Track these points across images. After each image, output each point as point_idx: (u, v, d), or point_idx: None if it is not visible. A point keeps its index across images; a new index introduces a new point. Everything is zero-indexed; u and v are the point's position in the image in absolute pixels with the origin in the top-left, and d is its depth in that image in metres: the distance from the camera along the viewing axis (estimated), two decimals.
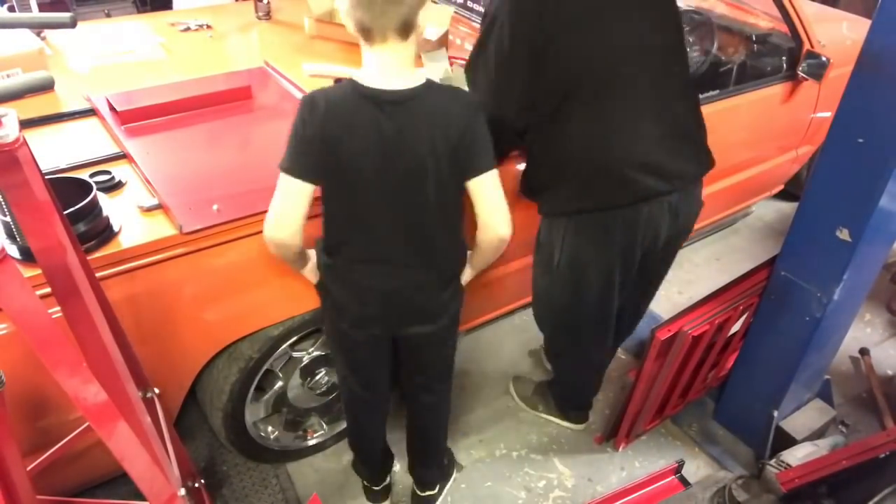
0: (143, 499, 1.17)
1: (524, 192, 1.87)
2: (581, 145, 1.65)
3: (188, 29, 2.68)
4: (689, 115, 1.76)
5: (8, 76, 1.99)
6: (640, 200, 1.68)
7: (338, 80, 1.91)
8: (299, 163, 1.36)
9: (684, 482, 2.14)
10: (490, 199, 1.46)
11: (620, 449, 2.28)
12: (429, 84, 1.38)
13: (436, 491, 2.04)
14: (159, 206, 1.58)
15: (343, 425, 2.19)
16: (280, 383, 1.94)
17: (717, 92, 2.49)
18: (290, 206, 1.39)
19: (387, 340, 1.66)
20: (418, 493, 2.02)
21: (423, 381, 1.80)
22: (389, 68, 1.34)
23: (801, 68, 2.66)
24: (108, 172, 1.66)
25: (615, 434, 2.26)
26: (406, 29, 1.31)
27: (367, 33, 1.31)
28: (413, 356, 1.73)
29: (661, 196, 1.69)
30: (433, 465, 2.02)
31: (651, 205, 1.69)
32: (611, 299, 1.89)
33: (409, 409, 1.92)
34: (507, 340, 2.70)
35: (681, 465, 2.15)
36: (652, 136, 1.65)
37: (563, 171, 1.71)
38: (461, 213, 1.52)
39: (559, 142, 1.67)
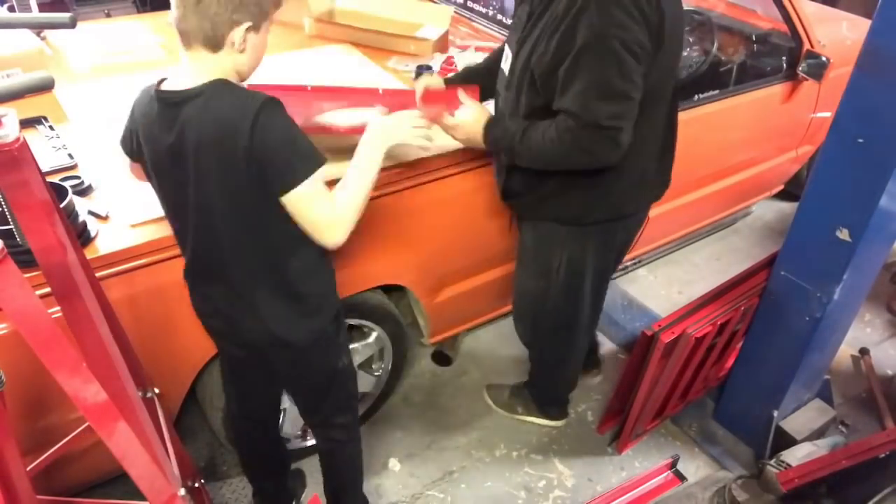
0: (143, 499, 1.17)
1: (510, 196, 1.83)
2: (632, 159, 1.58)
3: None
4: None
5: (8, 76, 1.99)
6: (640, 212, 1.82)
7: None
8: None
9: (680, 476, 2.14)
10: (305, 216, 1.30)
11: (623, 453, 2.28)
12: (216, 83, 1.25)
13: None
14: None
15: None
16: None
17: (717, 92, 2.49)
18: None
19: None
20: None
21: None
22: (189, 74, 1.26)
23: (801, 68, 2.66)
24: (77, 177, 1.65)
25: (618, 437, 2.26)
26: (213, 42, 1.22)
27: (180, 35, 1.25)
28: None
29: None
30: None
31: (644, 211, 1.84)
32: (603, 296, 2.01)
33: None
34: (508, 340, 2.70)
35: (675, 459, 2.15)
36: (672, 148, 1.77)
37: (594, 180, 1.64)
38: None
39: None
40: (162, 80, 1.30)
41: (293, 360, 1.54)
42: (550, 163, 1.60)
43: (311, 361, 1.55)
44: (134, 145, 1.38)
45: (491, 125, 1.65)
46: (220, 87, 1.24)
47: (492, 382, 2.46)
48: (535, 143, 1.55)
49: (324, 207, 1.30)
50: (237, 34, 1.22)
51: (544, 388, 2.31)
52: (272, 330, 1.43)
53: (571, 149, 1.50)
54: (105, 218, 1.55)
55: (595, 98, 1.43)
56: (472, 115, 1.67)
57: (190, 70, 1.26)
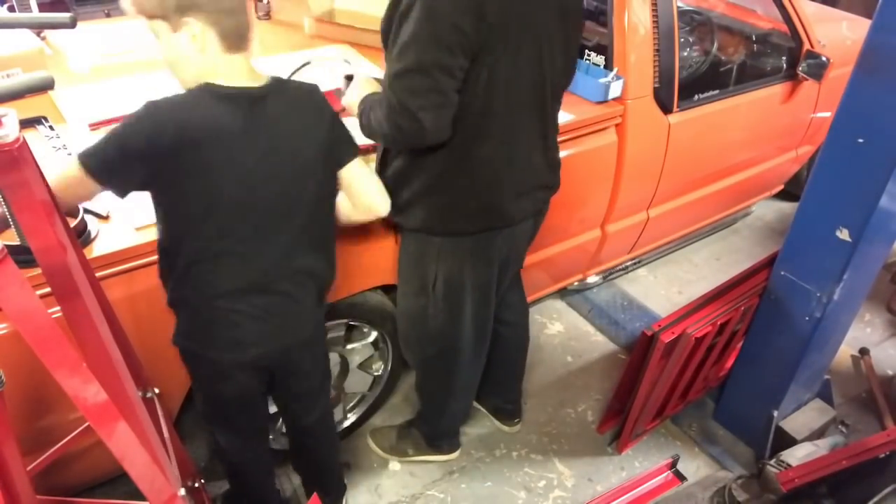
0: (143, 499, 1.17)
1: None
2: (482, 168, 1.56)
3: None
4: (556, 141, 1.76)
5: (8, 76, 1.98)
6: (522, 221, 1.72)
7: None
8: None
9: (680, 476, 2.14)
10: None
11: (623, 453, 2.28)
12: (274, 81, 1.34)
13: None
14: None
15: (339, 427, 2.20)
16: None
17: (717, 92, 2.49)
18: None
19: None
20: None
21: None
22: (245, 73, 1.30)
23: (801, 68, 2.66)
24: None
25: (618, 437, 2.26)
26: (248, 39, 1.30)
27: (237, 40, 1.26)
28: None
29: (539, 213, 1.80)
30: None
31: (528, 220, 1.76)
32: (489, 315, 1.88)
33: None
34: None
35: (675, 459, 2.15)
36: (540, 163, 1.69)
37: (452, 189, 1.59)
38: None
39: (454, 158, 1.55)
40: (210, 85, 1.26)
41: (313, 355, 1.60)
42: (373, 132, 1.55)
43: (322, 352, 1.65)
44: (143, 172, 1.25)
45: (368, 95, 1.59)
46: (283, 82, 1.35)
47: (375, 426, 2.28)
48: (370, 111, 1.51)
49: (373, 177, 1.51)
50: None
51: (433, 421, 2.14)
52: (315, 322, 1.54)
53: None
54: (105, 218, 1.55)
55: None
56: (359, 85, 1.65)
57: (245, 70, 1.29)
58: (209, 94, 1.25)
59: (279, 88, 1.33)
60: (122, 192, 1.26)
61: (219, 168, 1.25)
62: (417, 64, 1.37)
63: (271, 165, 1.30)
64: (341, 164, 1.44)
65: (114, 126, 1.23)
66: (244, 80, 1.28)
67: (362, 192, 1.50)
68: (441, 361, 1.93)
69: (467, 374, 2.00)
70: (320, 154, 1.38)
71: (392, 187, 1.59)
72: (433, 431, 2.16)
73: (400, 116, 1.40)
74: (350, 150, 1.45)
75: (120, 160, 1.22)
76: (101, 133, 1.50)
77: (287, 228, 1.37)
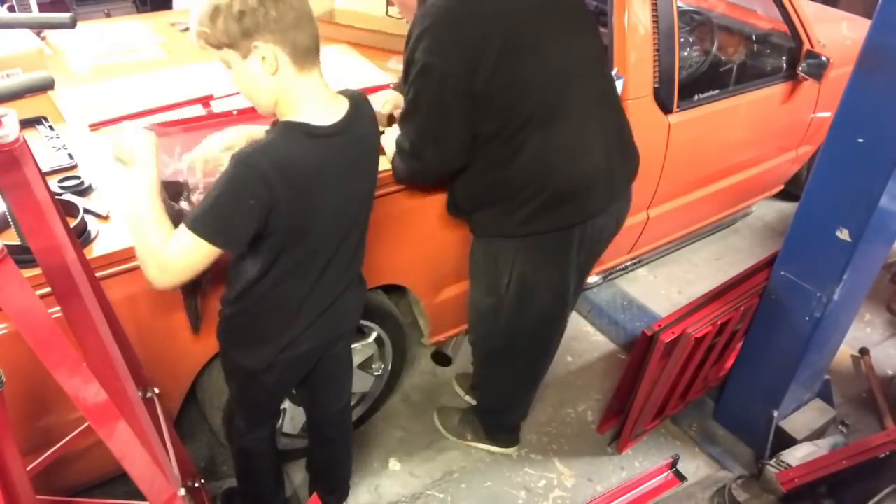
0: (143, 499, 1.17)
1: (453, 210, 1.82)
2: (536, 169, 1.60)
3: (188, 29, 2.67)
4: (624, 121, 1.78)
5: (8, 76, 1.99)
6: (594, 216, 1.70)
7: None
8: None
9: (680, 476, 2.14)
10: None
11: (623, 453, 2.28)
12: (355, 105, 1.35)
13: None
14: None
15: None
16: None
17: (717, 92, 2.49)
18: None
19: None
20: None
21: None
22: (327, 97, 1.30)
23: (801, 68, 2.66)
24: (77, 177, 1.64)
25: (618, 437, 2.26)
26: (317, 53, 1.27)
27: (305, 57, 1.22)
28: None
29: (611, 207, 1.75)
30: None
31: (602, 217, 1.73)
32: (565, 315, 1.90)
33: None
34: None
35: (675, 459, 2.15)
36: (602, 152, 1.67)
37: (515, 193, 1.64)
38: None
39: (510, 166, 1.61)
40: (302, 125, 1.24)
41: (347, 344, 1.69)
42: None
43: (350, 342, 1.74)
44: (268, 217, 1.22)
45: None
46: (356, 101, 1.34)
47: (443, 405, 2.38)
48: None
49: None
50: None
51: (493, 413, 2.19)
52: (361, 301, 1.60)
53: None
54: (105, 218, 1.55)
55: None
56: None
57: (326, 96, 1.29)
58: (302, 133, 1.24)
59: (356, 113, 1.32)
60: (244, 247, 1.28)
61: (319, 206, 1.28)
62: (418, 137, 1.57)
63: (354, 190, 1.37)
64: None
65: (212, 194, 1.19)
66: (328, 110, 1.27)
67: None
68: (508, 356, 1.97)
69: (534, 370, 2.05)
70: (376, 161, 1.45)
71: (461, 195, 1.74)
72: (494, 423, 2.20)
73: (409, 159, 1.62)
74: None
75: (239, 223, 1.20)
76: (102, 133, 1.50)
77: (350, 243, 1.43)
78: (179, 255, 1.18)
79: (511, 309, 1.80)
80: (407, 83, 1.53)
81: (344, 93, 1.34)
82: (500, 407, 2.17)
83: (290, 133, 1.23)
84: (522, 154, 1.59)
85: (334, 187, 1.29)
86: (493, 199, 1.69)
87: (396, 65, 2.36)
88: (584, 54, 1.66)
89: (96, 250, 1.45)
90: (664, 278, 3.12)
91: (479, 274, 1.85)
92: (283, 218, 1.23)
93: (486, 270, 1.80)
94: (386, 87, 2.01)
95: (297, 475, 2.11)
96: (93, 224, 1.50)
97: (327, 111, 1.27)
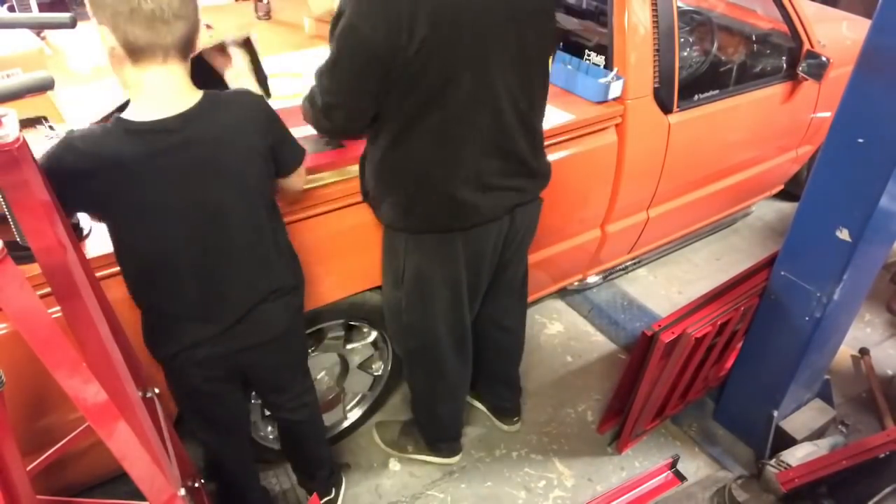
0: (143, 499, 1.17)
1: (362, 195, 1.74)
2: (425, 168, 1.57)
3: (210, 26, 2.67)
4: (530, 148, 1.67)
5: (8, 76, 1.98)
6: (475, 226, 1.66)
7: None
8: None
9: (680, 476, 2.14)
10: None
11: (623, 453, 2.28)
12: (209, 97, 1.27)
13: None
14: None
15: (339, 427, 2.19)
16: None
17: (717, 92, 2.49)
18: None
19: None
20: None
21: None
22: (168, 93, 1.23)
23: (801, 68, 2.66)
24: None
25: (618, 437, 2.26)
26: (187, 47, 1.22)
27: (141, 52, 1.17)
28: None
29: (495, 221, 1.69)
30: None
31: (487, 227, 1.68)
32: (462, 315, 1.84)
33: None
34: None
35: (675, 459, 2.15)
36: (492, 168, 1.61)
37: (401, 187, 1.61)
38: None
39: (403, 156, 1.56)
40: (115, 116, 1.21)
41: (281, 349, 1.60)
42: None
43: (298, 334, 1.67)
44: (84, 198, 1.25)
45: None
46: (215, 98, 1.28)
47: (380, 419, 2.30)
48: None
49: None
50: (202, 32, 1.23)
51: (423, 422, 2.15)
52: (289, 312, 1.54)
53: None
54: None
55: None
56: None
57: (170, 87, 1.22)
58: (122, 129, 1.20)
59: (205, 114, 1.26)
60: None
61: (149, 206, 1.26)
62: (332, 92, 1.48)
63: (203, 194, 1.30)
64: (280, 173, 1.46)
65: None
66: (168, 106, 1.22)
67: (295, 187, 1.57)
68: (422, 357, 1.93)
69: (450, 376, 1.97)
70: (239, 165, 1.33)
71: (366, 181, 1.68)
72: (427, 433, 2.16)
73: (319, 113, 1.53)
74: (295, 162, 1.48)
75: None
76: None
77: (229, 255, 1.38)
78: None
79: (412, 302, 1.77)
80: (332, 35, 1.45)
81: (213, 93, 1.29)
82: (424, 420, 2.14)
83: (113, 125, 1.21)
84: (417, 145, 1.53)
85: (162, 187, 1.24)
86: (388, 190, 1.63)
87: None
88: (517, 82, 1.54)
89: (96, 250, 1.45)
90: (664, 278, 3.12)
91: (385, 266, 1.82)
92: (112, 207, 1.25)
93: (389, 260, 1.77)
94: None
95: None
96: (85, 221, 1.50)
97: (166, 107, 1.22)
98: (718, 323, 1.96)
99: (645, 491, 2.11)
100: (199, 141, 1.25)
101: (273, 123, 1.38)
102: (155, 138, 1.21)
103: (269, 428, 2.05)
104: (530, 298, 2.20)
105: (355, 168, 1.72)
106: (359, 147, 1.69)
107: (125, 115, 1.22)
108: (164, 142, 1.21)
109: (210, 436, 1.71)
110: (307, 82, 1.58)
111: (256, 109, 1.35)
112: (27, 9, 2.71)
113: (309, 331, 1.88)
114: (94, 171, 1.19)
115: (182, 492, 1.27)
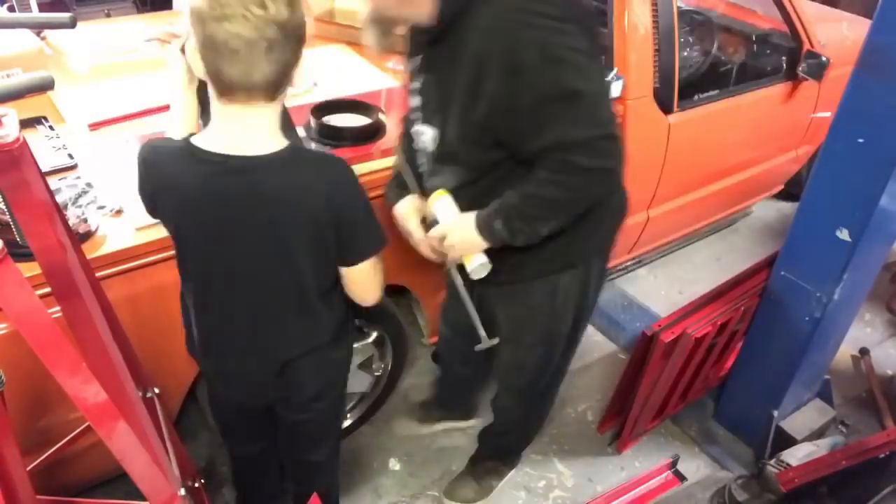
0: (143, 499, 1.17)
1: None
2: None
3: None
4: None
5: (8, 76, 1.98)
6: None
7: None
8: None
9: (680, 476, 2.14)
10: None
11: (623, 453, 2.28)
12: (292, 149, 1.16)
13: None
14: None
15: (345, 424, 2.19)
16: None
17: (717, 92, 2.49)
18: None
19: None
20: None
21: None
22: (247, 133, 1.13)
23: (801, 68, 2.66)
24: (77, 177, 1.63)
25: (618, 437, 2.26)
26: (276, 89, 1.10)
27: (234, 91, 1.07)
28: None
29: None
30: None
31: None
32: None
33: None
34: None
35: (675, 459, 2.15)
36: None
37: (605, 204, 1.48)
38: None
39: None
40: (188, 140, 1.16)
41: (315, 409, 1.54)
42: (561, 211, 1.37)
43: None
44: (155, 206, 1.25)
45: (480, 213, 1.40)
46: (297, 154, 1.16)
47: (445, 482, 2.13)
48: (534, 204, 1.33)
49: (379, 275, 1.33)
50: (296, 72, 1.11)
51: (531, 434, 2.14)
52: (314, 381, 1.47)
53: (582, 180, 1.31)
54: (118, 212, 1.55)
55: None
56: (449, 211, 1.46)
57: (249, 127, 1.12)
58: (189, 151, 1.14)
59: (283, 166, 1.14)
60: None
61: (185, 231, 1.24)
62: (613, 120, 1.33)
63: (243, 242, 1.21)
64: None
65: None
66: (240, 142, 1.12)
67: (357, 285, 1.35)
68: (548, 393, 1.95)
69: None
70: (293, 231, 1.20)
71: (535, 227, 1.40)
72: (526, 444, 2.15)
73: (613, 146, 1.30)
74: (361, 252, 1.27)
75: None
76: (102, 133, 1.50)
77: (259, 308, 1.31)
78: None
79: (568, 345, 1.74)
80: (564, 70, 1.25)
81: (299, 148, 1.19)
82: (534, 432, 2.15)
83: (183, 144, 1.17)
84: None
85: (203, 220, 1.19)
86: (588, 221, 1.45)
87: (395, 65, 2.36)
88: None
89: (97, 250, 1.45)
90: (664, 278, 3.12)
91: (533, 323, 1.64)
92: (160, 208, 1.25)
93: (543, 315, 1.61)
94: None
95: None
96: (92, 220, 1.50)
97: (242, 145, 1.12)
98: (718, 323, 1.96)
99: (645, 491, 2.11)
100: (257, 193, 1.14)
101: (349, 199, 1.20)
102: (213, 169, 1.12)
103: None
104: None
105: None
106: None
107: (197, 138, 1.15)
108: (222, 179, 1.13)
109: (233, 443, 1.71)
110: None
111: (336, 175, 1.19)
112: (27, 9, 2.71)
113: None
114: (151, 181, 1.21)
115: (182, 492, 1.28)
